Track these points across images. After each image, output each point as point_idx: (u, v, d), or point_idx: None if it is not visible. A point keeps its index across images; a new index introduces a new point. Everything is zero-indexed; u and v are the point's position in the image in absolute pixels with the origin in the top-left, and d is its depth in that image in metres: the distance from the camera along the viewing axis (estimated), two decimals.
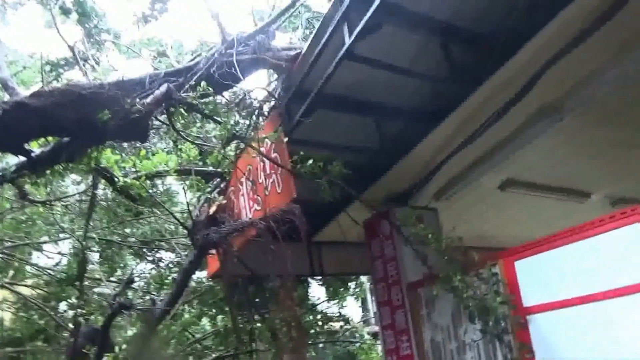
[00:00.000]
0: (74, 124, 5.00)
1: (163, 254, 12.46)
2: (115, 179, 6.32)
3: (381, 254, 7.52)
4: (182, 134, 5.89)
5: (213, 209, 6.55)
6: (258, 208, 6.34)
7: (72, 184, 11.57)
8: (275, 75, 6.93)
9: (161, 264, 12.17)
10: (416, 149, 6.60)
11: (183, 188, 10.53)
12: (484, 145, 6.62)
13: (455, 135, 6.39)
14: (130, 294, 12.24)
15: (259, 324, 7.95)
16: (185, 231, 11.77)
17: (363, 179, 6.80)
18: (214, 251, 6.69)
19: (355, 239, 8.35)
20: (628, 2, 4.52)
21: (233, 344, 9.06)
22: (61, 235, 11.93)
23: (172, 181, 10.98)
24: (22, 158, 5.64)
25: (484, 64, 5.43)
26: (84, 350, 6.79)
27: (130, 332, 6.73)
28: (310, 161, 5.36)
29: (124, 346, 6.47)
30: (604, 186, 8.68)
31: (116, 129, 4.96)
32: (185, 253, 12.08)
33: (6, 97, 5.60)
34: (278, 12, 6.36)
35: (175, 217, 8.19)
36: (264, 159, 6.08)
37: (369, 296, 15.57)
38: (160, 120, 5.74)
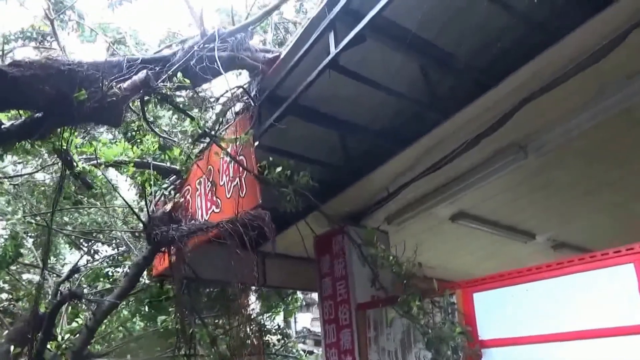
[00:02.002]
0: (49, 99, 4.52)
1: (100, 246, 11.89)
2: (74, 164, 5.81)
3: (331, 271, 7.22)
4: (151, 125, 5.45)
5: (170, 206, 6.12)
6: (217, 210, 5.96)
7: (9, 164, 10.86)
8: (244, 76, 6.62)
9: (97, 257, 11.56)
10: (378, 170, 6.36)
11: (129, 181, 10.12)
12: (445, 175, 6.45)
13: (420, 160, 6.18)
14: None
15: (198, 329, 7.50)
16: (124, 225, 11.45)
17: (320, 194, 6.52)
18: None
19: (301, 254, 8.09)
20: (607, 56, 4.40)
21: (169, 346, 8.59)
22: None
23: (112, 173, 10.44)
24: None
25: (462, 93, 5.27)
26: (29, 336, 6.24)
27: (75, 323, 6.21)
28: (279, 169, 5.04)
29: (67, 336, 5.94)
30: (549, 229, 8.69)
31: (91, 111, 4.51)
32: (123, 248, 11.58)
33: None
34: (263, 12, 6.00)
35: (133, 210, 7.67)
36: (228, 161, 5.71)
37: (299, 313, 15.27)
38: (130, 108, 5.29)
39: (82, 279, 10.16)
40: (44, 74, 4.50)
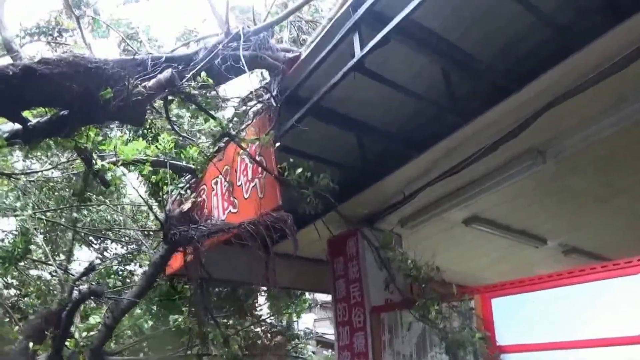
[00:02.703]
0: (76, 97, 4.49)
1: (108, 244, 11.87)
2: (93, 161, 5.78)
3: (344, 273, 7.17)
4: (173, 124, 5.43)
5: (187, 205, 6.09)
6: (234, 211, 5.93)
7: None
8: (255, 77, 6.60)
9: (106, 254, 11.54)
10: (395, 173, 6.32)
11: (140, 179, 10.08)
12: (460, 179, 6.39)
13: (437, 163, 6.11)
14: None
15: (211, 329, 7.47)
16: (134, 223, 11.43)
17: (336, 196, 6.48)
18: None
19: (310, 255, 8.07)
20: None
21: (181, 345, 8.56)
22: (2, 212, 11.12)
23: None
24: (16, 126, 5.08)
25: (483, 96, 5.23)
26: (46, 332, 6.22)
27: (92, 320, 6.18)
28: (300, 170, 5.01)
29: (84, 333, 5.91)
30: (561, 234, 8.65)
31: (116, 110, 4.48)
32: (132, 245, 11.56)
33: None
34: (287, 11, 5.96)
35: (151, 210, 7.63)
36: (247, 161, 5.68)
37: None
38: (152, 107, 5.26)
39: (92, 276, 10.12)
40: (71, 72, 4.47)
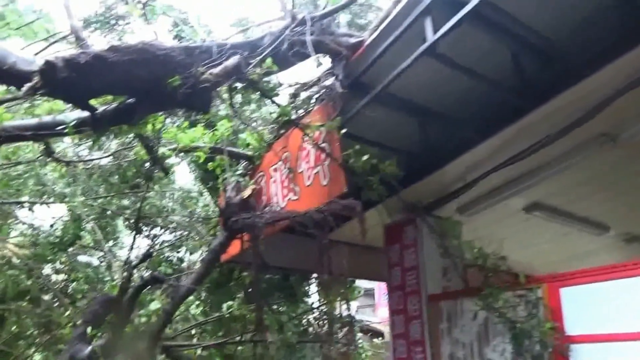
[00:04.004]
0: (144, 85, 4.65)
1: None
2: (154, 148, 5.93)
3: (400, 261, 7.20)
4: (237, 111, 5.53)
5: (247, 192, 6.19)
6: (294, 198, 6.01)
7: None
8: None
9: (155, 241, 11.78)
10: (457, 160, 6.30)
11: (191, 166, 10.25)
12: (524, 165, 6.35)
13: (502, 149, 6.08)
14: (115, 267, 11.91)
15: (266, 315, 7.61)
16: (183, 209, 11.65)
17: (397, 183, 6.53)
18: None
19: (363, 242, 8.10)
20: None
21: (234, 331, 8.74)
22: (53, 198, 11.41)
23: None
24: (84, 113, 5.24)
25: (554, 80, 5.17)
26: (105, 318, 6.41)
27: (152, 306, 6.34)
28: (366, 157, 5.07)
29: (143, 319, 6.07)
30: (624, 222, 8.51)
31: (183, 97, 4.59)
32: (180, 232, 11.78)
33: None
34: None
35: (212, 197, 7.78)
36: (310, 147, 5.75)
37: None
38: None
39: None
40: (140, 59, 4.60)
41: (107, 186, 11.26)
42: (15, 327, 10.84)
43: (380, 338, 18.13)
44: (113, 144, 10.03)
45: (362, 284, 16.20)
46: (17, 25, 9.92)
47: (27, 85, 4.67)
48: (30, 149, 10.10)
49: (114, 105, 5.31)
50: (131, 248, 7.21)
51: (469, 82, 5.42)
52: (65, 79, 4.60)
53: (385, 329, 18.44)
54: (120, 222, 12.36)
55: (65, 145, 10.51)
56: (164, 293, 9.56)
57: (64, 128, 5.44)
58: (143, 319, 6.16)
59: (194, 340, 10.10)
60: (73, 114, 5.66)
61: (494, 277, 5.39)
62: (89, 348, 6.49)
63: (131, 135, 6.66)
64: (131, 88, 4.79)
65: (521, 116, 5.47)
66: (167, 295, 7.83)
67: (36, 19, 10.15)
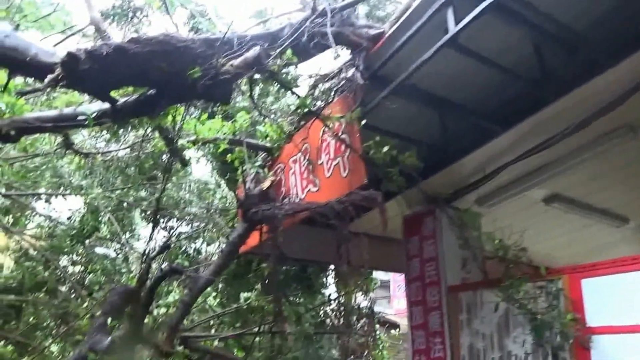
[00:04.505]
0: (165, 76, 4.69)
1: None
2: (173, 140, 6.00)
3: (419, 252, 7.24)
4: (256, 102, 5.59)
5: (267, 184, 6.27)
6: (314, 190, 6.07)
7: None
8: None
9: (172, 232, 11.88)
10: (477, 151, 6.33)
11: (209, 158, 10.33)
12: (544, 157, 6.36)
13: (522, 140, 6.10)
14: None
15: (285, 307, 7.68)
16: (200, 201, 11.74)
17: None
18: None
19: (381, 233, 8.13)
20: None
21: (252, 322, 8.83)
22: (70, 190, 11.53)
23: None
24: (104, 105, 5.32)
25: (577, 71, 5.18)
26: (125, 309, 6.49)
27: (170, 298, 6.41)
28: (386, 148, 5.11)
29: (162, 310, 6.16)
30: None
31: (204, 89, 4.64)
32: (197, 224, 11.88)
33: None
34: None
35: (230, 189, 7.86)
36: (328, 139, 5.80)
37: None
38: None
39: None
40: (161, 51, 4.65)
41: (123, 178, 11.38)
42: (32, 318, 10.99)
43: (396, 329, 18.19)
44: (130, 137, 10.13)
45: (377, 275, 16.28)
46: (34, 17, 10.01)
47: (49, 77, 4.72)
48: (47, 141, 10.22)
49: (135, 97, 5.38)
50: (149, 240, 7.23)
51: (490, 74, 5.46)
52: (87, 71, 4.66)
53: (401, 320, 18.53)
54: (136, 214, 12.46)
55: (82, 138, 10.61)
56: (181, 285, 9.69)
57: (85, 119, 5.52)
58: (162, 311, 6.22)
59: (212, 332, 10.19)
60: (94, 106, 5.74)
61: (514, 269, 5.42)
62: (109, 339, 6.60)
63: (149, 127, 6.74)
64: (152, 80, 4.85)
65: (542, 108, 5.50)
66: (185, 287, 7.90)
67: (53, 11, 10.24)
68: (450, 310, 6.65)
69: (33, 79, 6.68)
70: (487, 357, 6.01)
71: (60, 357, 9.86)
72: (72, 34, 9.01)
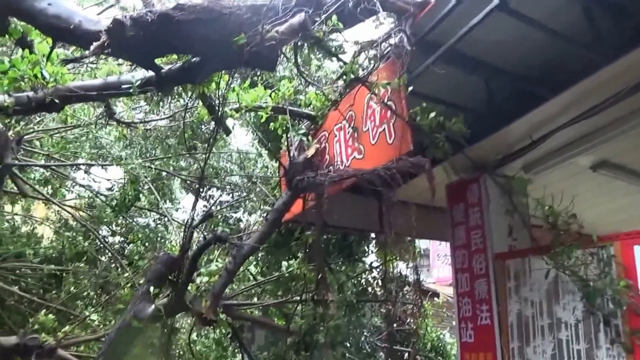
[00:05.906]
0: (210, 44, 4.78)
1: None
2: (217, 108, 6.11)
3: (465, 220, 7.30)
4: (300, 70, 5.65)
5: (312, 152, 6.36)
6: (359, 157, 6.14)
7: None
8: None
9: (213, 202, 12.12)
10: (524, 117, 6.31)
11: (249, 127, 10.47)
12: (593, 122, 6.33)
13: (572, 105, 6.07)
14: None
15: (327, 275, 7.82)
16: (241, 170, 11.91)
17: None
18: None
19: (423, 202, 8.18)
20: None
21: (293, 291, 9.01)
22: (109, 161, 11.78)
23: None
24: (149, 73, 5.45)
25: (629, 33, 5.13)
26: (170, 278, 6.68)
27: (214, 266, 6.54)
28: (432, 114, 5.15)
29: (205, 279, 6.30)
30: None
31: (249, 56, 4.70)
32: (238, 193, 12.09)
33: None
34: None
35: (276, 158, 7.97)
36: (373, 106, 5.85)
37: None
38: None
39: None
40: (206, 18, 4.71)
41: (163, 148, 11.61)
42: (73, 287, 11.35)
43: (437, 298, 18.34)
44: (170, 108, 10.31)
45: (418, 244, 16.39)
46: None
47: (95, 44, 4.83)
48: (85, 112, 10.45)
49: (179, 64, 5.48)
50: (193, 208, 7.38)
51: (538, 38, 5.42)
52: (133, 38, 4.76)
53: (441, 289, 18.65)
54: (176, 184, 12.72)
55: (120, 110, 10.81)
56: (222, 253, 9.90)
57: (129, 88, 5.65)
58: (204, 279, 6.37)
59: (255, 299, 10.43)
60: (138, 74, 5.86)
61: (564, 235, 5.45)
62: (152, 307, 6.81)
63: (192, 95, 6.85)
64: (197, 47, 4.93)
65: (592, 73, 5.46)
66: (228, 255, 8.04)
67: None
68: (497, 278, 6.71)
69: (77, 47, 6.86)
70: (536, 325, 6.09)
71: (101, 326, 10.16)
72: (110, 6, 9.16)
